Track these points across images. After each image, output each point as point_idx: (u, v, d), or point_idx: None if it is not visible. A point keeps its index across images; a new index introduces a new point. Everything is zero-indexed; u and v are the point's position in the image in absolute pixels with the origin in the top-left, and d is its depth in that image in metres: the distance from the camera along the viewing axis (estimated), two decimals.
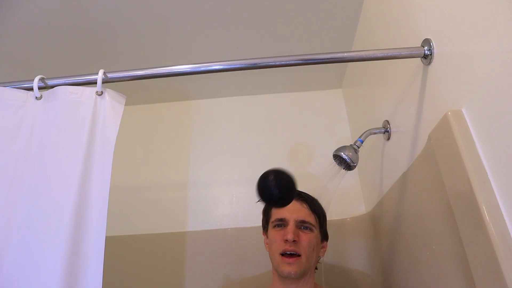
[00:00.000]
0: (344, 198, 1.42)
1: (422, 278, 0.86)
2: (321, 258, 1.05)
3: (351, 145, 0.96)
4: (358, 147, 0.96)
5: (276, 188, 0.80)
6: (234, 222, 1.45)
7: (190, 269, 1.36)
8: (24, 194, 0.70)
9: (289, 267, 0.92)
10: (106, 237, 0.67)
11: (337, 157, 0.97)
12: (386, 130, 1.05)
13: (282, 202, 0.84)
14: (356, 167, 0.96)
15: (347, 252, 1.34)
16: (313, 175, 1.48)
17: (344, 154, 0.93)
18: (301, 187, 1.08)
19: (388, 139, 1.06)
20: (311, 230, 0.98)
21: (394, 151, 1.04)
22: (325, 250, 1.04)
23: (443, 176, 0.69)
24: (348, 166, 0.96)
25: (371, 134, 1.04)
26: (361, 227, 1.35)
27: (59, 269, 0.63)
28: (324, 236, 1.04)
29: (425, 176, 0.80)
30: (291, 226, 0.96)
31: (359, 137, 0.98)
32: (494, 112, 0.57)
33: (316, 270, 1.04)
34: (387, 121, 1.06)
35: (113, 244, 1.14)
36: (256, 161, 1.56)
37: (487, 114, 0.59)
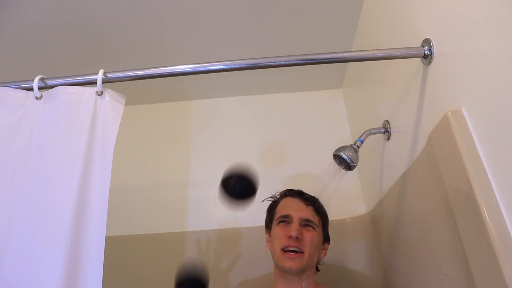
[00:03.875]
0: (344, 198, 1.42)
1: (422, 278, 0.86)
2: (321, 260, 1.05)
3: (351, 145, 0.96)
4: (358, 147, 0.96)
5: (238, 193, 0.91)
6: (234, 222, 1.44)
7: None
8: (24, 194, 0.69)
9: (290, 262, 0.94)
10: (106, 237, 0.67)
11: (337, 157, 0.97)
12: (386, 130, 1.05)
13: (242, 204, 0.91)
14: (356, 167, 0.96)
15: (347, 252, 1.34)
16: (313, 175, 1.48)
17: (344, 154, 0.93)
18: (301, 187, 1.10)
19: (388, 139, 1.06)
20: (314, 228, 0.99)
21: (394, 151, 1.04)
22: (326, 252, 1.05)
23: (443, 176, 0.69)
24: (348, 166, 0.95)
25: (371, 134, 1.04)
26: (361, 227, 1.35)
27: (59, 269, 0.63)
28: (326, 238, 1.05)
29: (425, 176, 0.80)
30: (295, 223, 0.97)
31: (359, 137, 0.98)
32: (494, 112, 0.57)
33: (317, 272, 1.04)
34: (387, 121, 1.06)
35: (113, 244, 1.13)
36: (256, 161, 1.56)
37: (487, 114, 0.59)
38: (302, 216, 0.99)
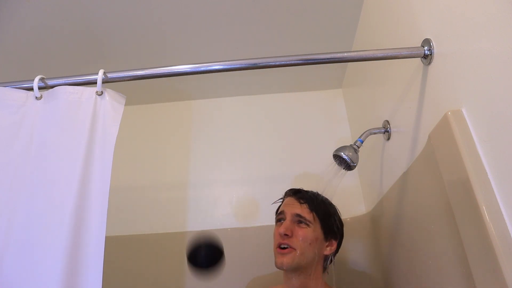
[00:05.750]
0: (344, 198, 1.41)
1: (422, 278, 0.86)
2: (329, 257, 1.01)
3: (351, 145, 0.96)
4: (358, 147, 0.96)
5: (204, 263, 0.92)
6: (234, 222, 1.44)
7: None
8: (25, 194, 0.70)
9: (281, 258, 0.94)
10: (106, 237, 0.67)
11: (337, 157, 0.97)
12: (386, 130, 1.05)
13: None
14: (356, 167, 0.96)
15: (347, 252, 1.34)
16: (313, 175, 1.48)
17: (344, 154, 0.93)
18: (301, 187, 1.09)
19: (388, 139, 1.06)
20: (307, 225, 0.98)
21: (394, 151, 1.04)
22: (333, 248, 1.01)
23: (443, 176, 0.69)
24: (348, 166, 0.96)
25: (371, 134, 1.04)
26: (361, 227, 1.35)
27: (59, 269, 0.63)
28: (331, 234, 1.01)
29: (425, 176, 0.80)
30: (287, 220, 0.99)
31: (359, 137, 0.98)
32: (494, 112, 0.57)
33: (326, 273, 1.02)
34: (387, 121, 1.06)
35: (113, 244, 1.13)
36: (256, 161, 1.56)
37: (487, 114, 0.59)
38: (294, 212, 0.99)
